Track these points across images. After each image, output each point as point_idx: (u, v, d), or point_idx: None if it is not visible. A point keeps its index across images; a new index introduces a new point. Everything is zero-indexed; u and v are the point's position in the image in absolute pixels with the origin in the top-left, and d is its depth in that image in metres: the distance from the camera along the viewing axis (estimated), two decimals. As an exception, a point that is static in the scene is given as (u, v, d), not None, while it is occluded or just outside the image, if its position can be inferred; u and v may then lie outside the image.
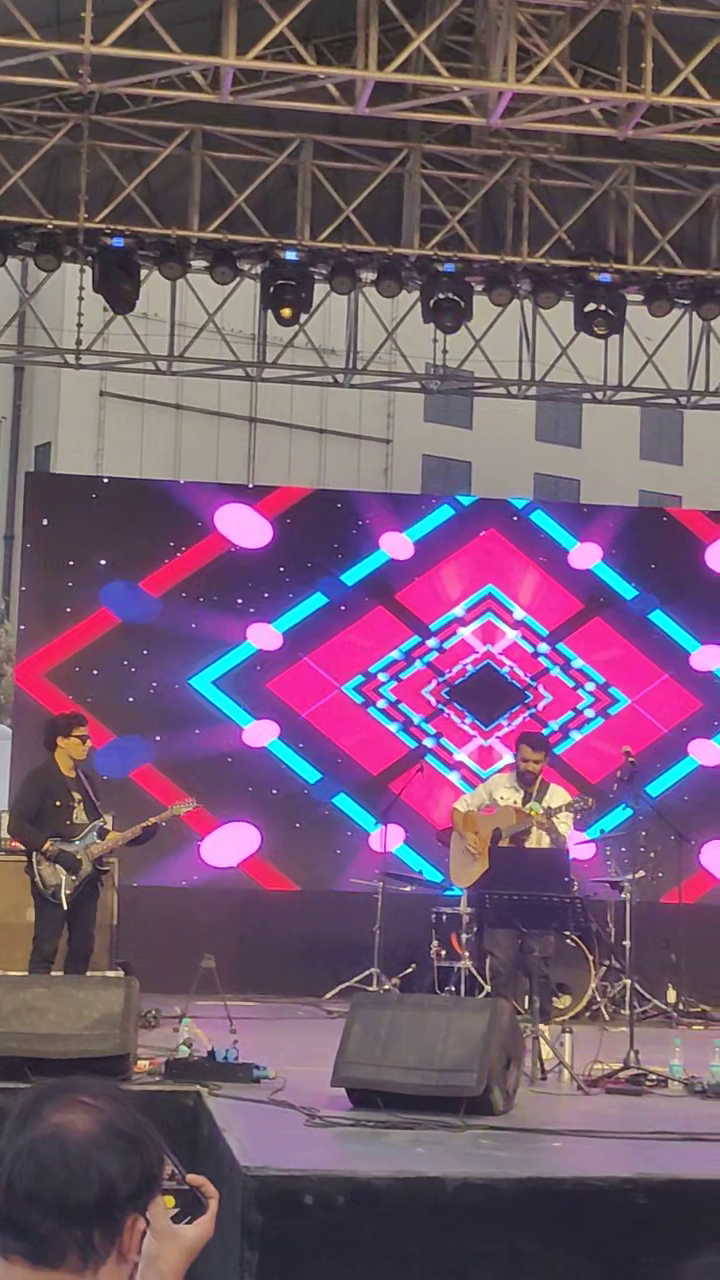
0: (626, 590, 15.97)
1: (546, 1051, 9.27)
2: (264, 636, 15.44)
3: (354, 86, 12.13)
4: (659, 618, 15.97)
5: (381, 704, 15.67)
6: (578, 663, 15.90)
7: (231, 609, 15.44)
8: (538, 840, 10.69)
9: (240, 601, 15.50)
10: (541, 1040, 9.15)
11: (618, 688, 15.89)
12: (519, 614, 15.91)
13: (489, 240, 15.12)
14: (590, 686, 15.89)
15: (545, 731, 14.65)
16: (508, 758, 15.34)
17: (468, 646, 15.88)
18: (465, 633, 15.87)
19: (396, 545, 15.78)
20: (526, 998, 9.61)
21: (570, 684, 15.92)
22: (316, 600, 15.56)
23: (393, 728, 15.65)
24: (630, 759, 10.41)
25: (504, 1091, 7.65)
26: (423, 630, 15.74)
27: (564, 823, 10.77)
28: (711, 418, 22.27)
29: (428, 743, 15.60)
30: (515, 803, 10.69)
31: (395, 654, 15.71)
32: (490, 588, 15.95)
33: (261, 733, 15.37)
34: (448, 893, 13.13)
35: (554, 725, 15.51)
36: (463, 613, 15.86)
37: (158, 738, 15.10)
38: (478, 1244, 5.98)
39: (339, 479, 31.19)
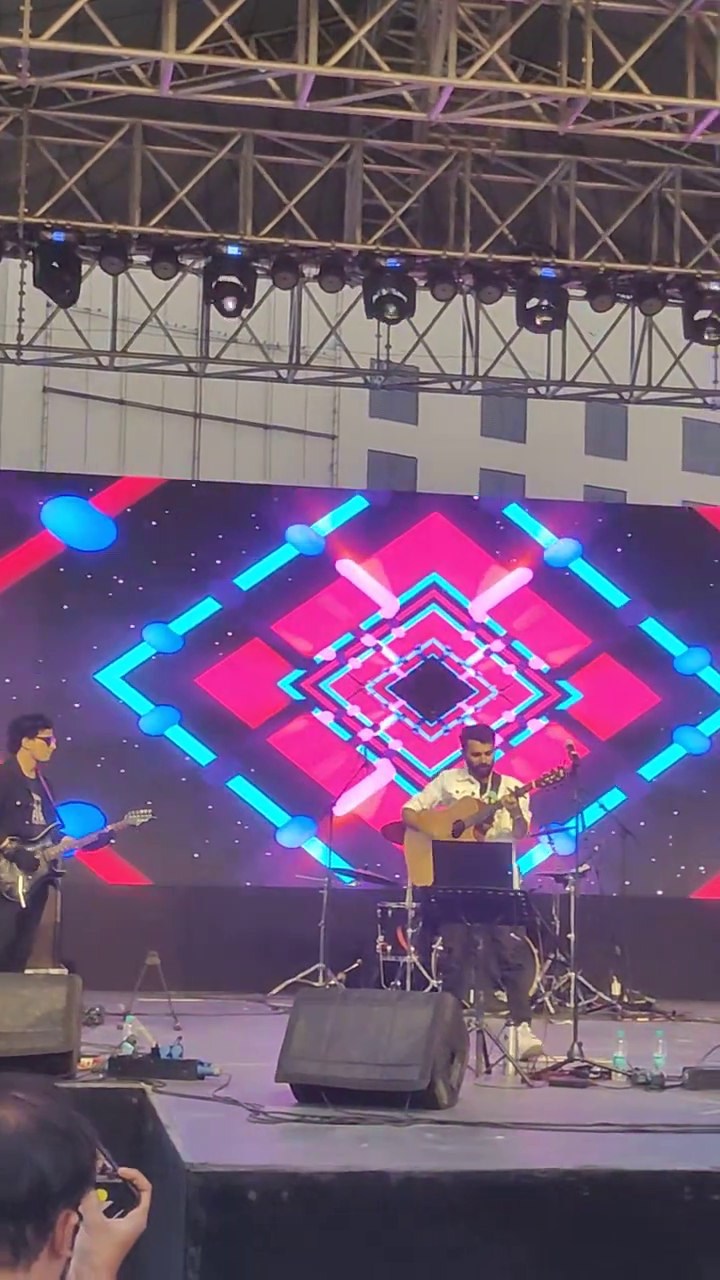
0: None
1: (526, 1043, 9.30)
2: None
3: (295, 81, 12.12)
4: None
5: (319, 700, 15.69)
6: (532, 659, 15.97)
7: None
8: (500, 827, 10.62)
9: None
10: (522, 1034, 9.20)
11: (570, 682, 15.97)
12: (474, 611, 15.96)
13: (431, 235, 15.13)
14: (539, 680, 15.96)
15: (495, 726, 14.69)
16: (455, 754, 15.41)
17: (410, 641, 15.90)
18: (406, 627, 15.88)
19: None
20: (472, 992, 9.61)
21: (518, 678, 15.97)
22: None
23: (328, 722, 15.68)
24: (573, 753, 10.41)
25: (448, 1085, 7.65)
26: (356, 630, 15.77)
27: (527, 807, 10.69)
28: (655, 412, 22.42)
29: (363, 734, 15.63)
30: (472, 794, 10.63)
31: (327, 653, 15.73)
32: (435, 577, 15.98)
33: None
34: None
35: (501, 722, 15.54)
36: (404, 605, 15.89)
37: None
38: (422, 1238, 5.98)
39: (284, 474, 31.21)
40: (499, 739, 12.33)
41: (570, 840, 12.42)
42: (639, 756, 15.82)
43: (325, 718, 15.64)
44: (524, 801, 10.64)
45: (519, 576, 16.01)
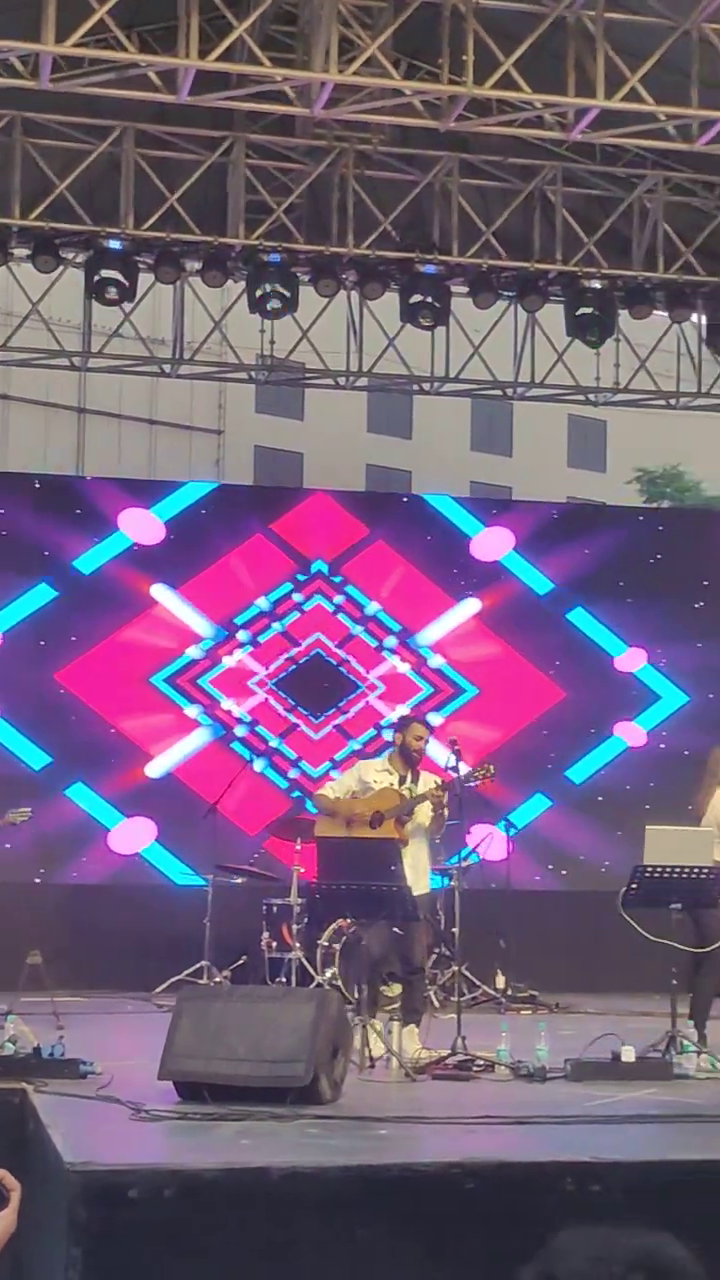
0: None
1: (411, 1046, 9.30)
2: None
3: (176, 75, 12.07)
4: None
5: (196, 697, 15.66)
6: (431, 657, 16.07)
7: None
8: (417, 821, 10.52)
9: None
10: (408, 1036, 9.22)
11: (468, 678, 16.07)
12: (368, 606, 16.01)
13: (315, 231, 15.14)
14: (436, 677, 16.05)
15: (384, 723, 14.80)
16: (354, 744, 15.46)
17: (295, 635, 15.90)
18: (288, 621, 15.89)
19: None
20: (356, 987, 9.63)
21: (412, 674, 16.05)
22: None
23: (204, 720, 15.66)
24: (456, 748, 10.42)
25: (332, 1080, 7.66)
26: (229, 624, 15.77)
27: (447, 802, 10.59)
28: (540, 409, 22.52)
29: (239, 730, 15.64)
30: (391, 785, 10.51)
31: (193, 652, 15.71)
32: (320, 564, 16.01)
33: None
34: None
35: (391, 718, 15.61)
36: (284, 599, 15.90)
37: None
38: (306, 1233, 5.98)
39: (170, 470, 31.07)
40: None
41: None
42: (539, 753, 15.97)
43: (193, 711, 15.60)
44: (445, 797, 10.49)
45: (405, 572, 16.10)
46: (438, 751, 12.04)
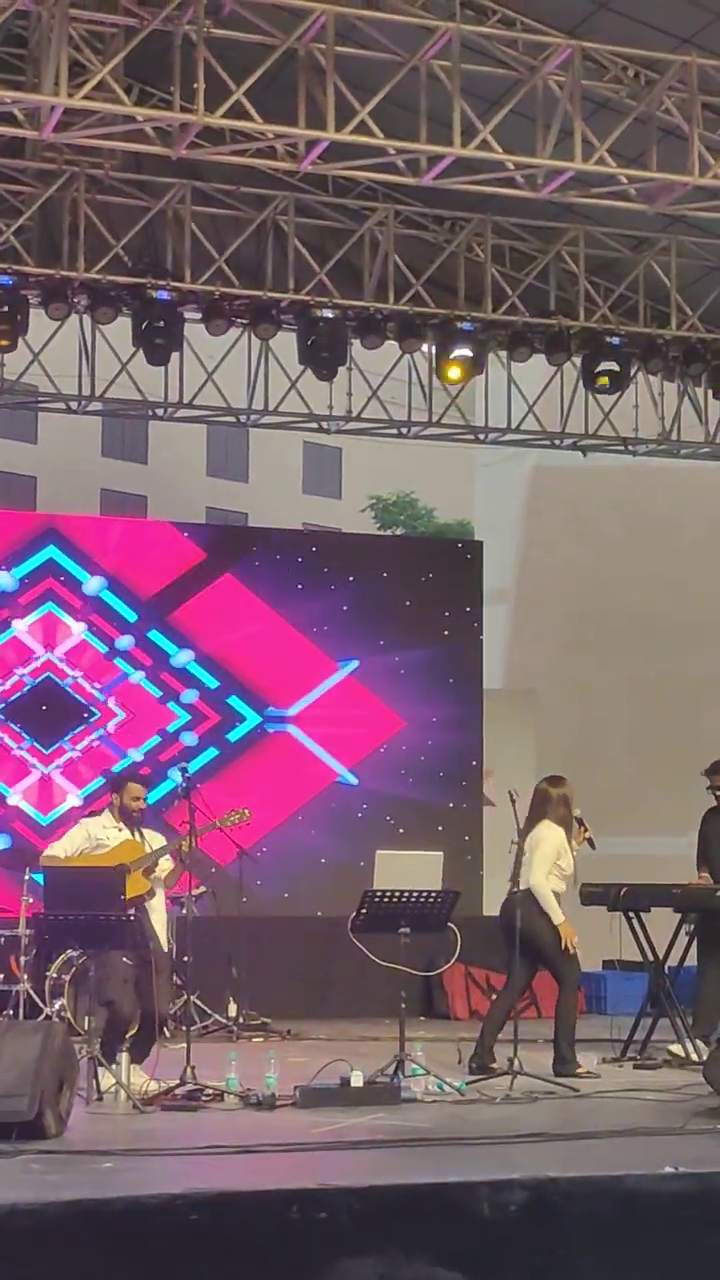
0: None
1: (139, 1079, 9.22)
2: None
3: None
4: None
5: None
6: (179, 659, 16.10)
7: None
8: (163, 868, 10.40)
9: None
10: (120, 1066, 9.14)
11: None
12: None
13: (46, 254, 14.99)
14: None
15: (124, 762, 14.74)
16: (72, 799, 15.29)
17: (22, 651, 15.76)
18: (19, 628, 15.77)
19: None
20: (86, 1018, 9.51)
21: (158, 694, 16.04)
22: None
23: None
24: (187, 776, 10.37)
25: (56, 1114, 7.57)
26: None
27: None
28: (275, 436, 22.61)
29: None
30: (129, 839, 10.36)
31: None
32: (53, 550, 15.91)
33: None
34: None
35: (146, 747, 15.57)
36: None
37: None
38: (29, 1270, 5.89)
39: None
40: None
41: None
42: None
43: None
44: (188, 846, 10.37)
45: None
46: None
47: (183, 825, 10.16)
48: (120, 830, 10.33)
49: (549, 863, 10.52)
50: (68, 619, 16.05)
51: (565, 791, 10.84)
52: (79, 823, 10.80)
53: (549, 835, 10.60)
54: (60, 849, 10.41)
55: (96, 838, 10.31)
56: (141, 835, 10.40)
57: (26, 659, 15.77)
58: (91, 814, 11.25)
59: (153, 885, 10.27)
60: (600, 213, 14.94)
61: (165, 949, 10.64)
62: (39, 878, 10.67)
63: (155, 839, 10.49)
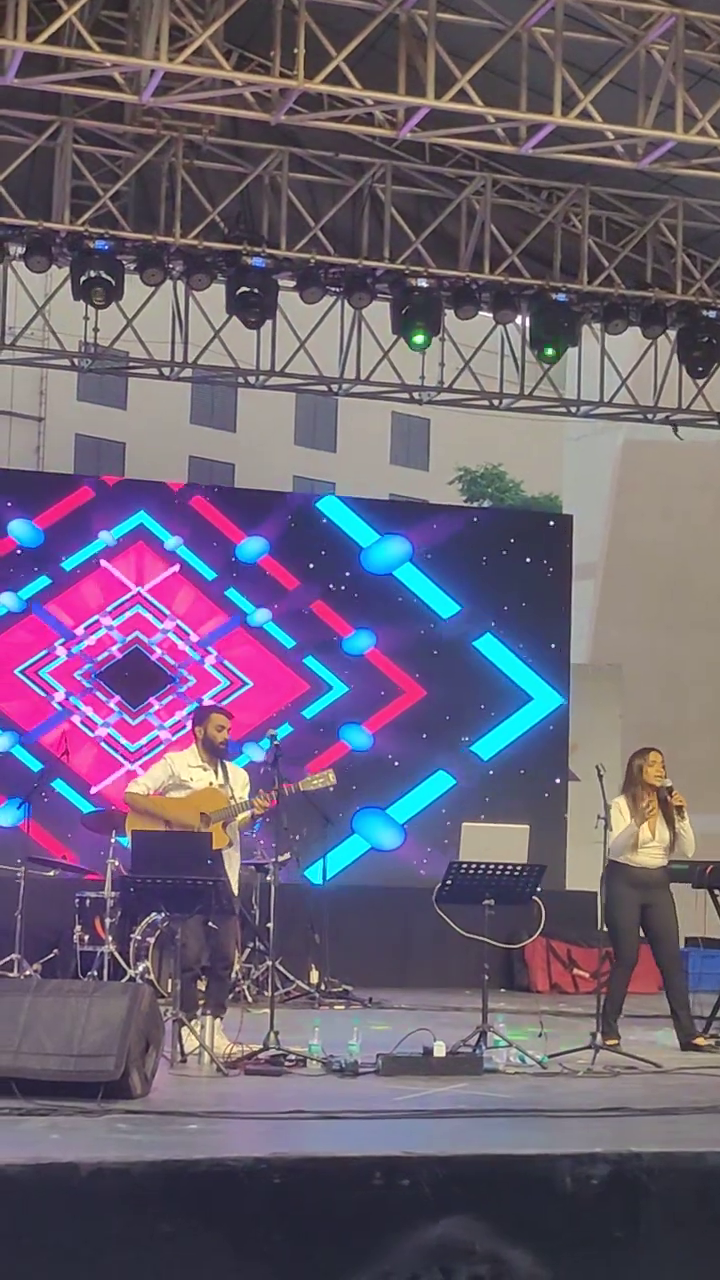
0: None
1: (221, 1041, 9.26)
2: None
3: (3, 56, 11.88)
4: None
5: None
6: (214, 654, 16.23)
7: None
8: (242, 820, 10.42)
9: None
10: (205, 1029, 9.19)
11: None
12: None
13: (142, 219, 15.02)
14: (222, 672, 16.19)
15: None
16: (156, 731, 15.44)
17: (114, 634, 15.97)
18: (112, 622, 15.96)
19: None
20: (170, 981, 9.57)
21: (210, 670, 16.16)
22: None
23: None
24: (276, 742, 10.37)
25: (142, 1075, 7.61)
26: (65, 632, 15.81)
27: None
28: (364, 405, 22.59)
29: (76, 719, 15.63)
30: (211, 784, 10.33)
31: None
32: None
33: None
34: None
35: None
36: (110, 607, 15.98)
37: None
38: (114, 1229, 5.94)
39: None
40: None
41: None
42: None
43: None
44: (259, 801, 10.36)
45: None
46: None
47: (264, 773, 10.23)
48: (205, 770, 10.18)
49: (613, 835, 10.47)
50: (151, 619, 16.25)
51: (636, 761, 10.83)
52: (163, 758, 10.74)
53: (614, 806, 10.57)
54: (142, 785, 10.34)
55: (179, 776, 10.16)
56: (225, 772, 10.29)
57: (119, 619, 15.97)
58: (175, 750, 11.21)
59: (230, 836, 10.22)
60: (699, 184, 14.81)
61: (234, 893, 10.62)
62: (124, 841, 10.71)
63: (239, 775, 10.36)
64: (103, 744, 15.92)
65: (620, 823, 10.49)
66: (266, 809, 10.14)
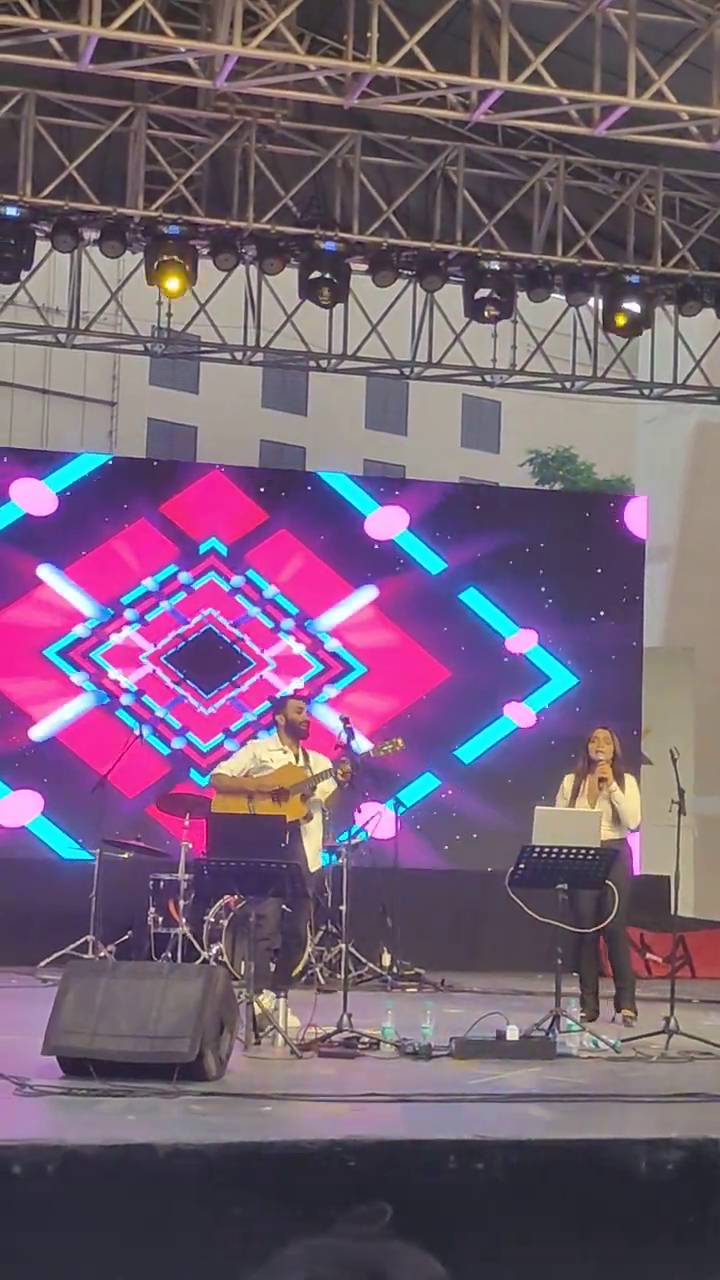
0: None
1: (293, 1022, 9.32)
2: None
3: (78, 42, 11.93)
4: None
5: (84, 666, 15.63)
6: (327, 640, 16.11)
7: None
8: (324, 791, 10.61)
9: None
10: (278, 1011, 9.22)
11: (359, 658, 16.12)
12: (266, 589, 16.03)
13: (215, 204, 15.05)
14: (329, 657, 16.10)
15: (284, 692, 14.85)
16: (249, 715, 15.49)
17: (184, 613, 15.91)
18: (175, 600, 15.90)
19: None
20: (243, 963, 9.62)
21: (306, 654, 16.08)
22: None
23: (88, 687, 15.65)
24: (348, 725, 10.43)
25: (217, 1057, 7.66)
26: (115, 604, 15.76)
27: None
28: (435, 389, 22.57)
29: (125, 699, 15.60)
30: (291, 764, 10.52)
31: (80, 630, 15.66)
32: (214, 542, 15.99)
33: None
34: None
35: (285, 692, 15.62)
36: (169, 580, 15.90)
37: None
38: (189, 1210, 5.97)
39: (62, 441, 30.81)
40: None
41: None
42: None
43: (79, 678, 15.58)
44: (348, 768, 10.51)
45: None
46: (329, 724, 12.10)
47: (337, 751, 10.34)
48: (285, 753, 10.49)
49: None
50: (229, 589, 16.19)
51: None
52: (246, 744, 11.10)
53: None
54: (228, 768, 10.80)
55: (262, 759, 10.55)
56: (306, 756, 10.54)
57: (186, 619, 15.91)
58: (259, 731, 11.54)
59: (310, 809, 10.38)
60: (775, 165, 14.69)
61: (313, 870, 10.73)
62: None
63: (319, 761, 10.59)
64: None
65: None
66: (348, 774, 10.31)
